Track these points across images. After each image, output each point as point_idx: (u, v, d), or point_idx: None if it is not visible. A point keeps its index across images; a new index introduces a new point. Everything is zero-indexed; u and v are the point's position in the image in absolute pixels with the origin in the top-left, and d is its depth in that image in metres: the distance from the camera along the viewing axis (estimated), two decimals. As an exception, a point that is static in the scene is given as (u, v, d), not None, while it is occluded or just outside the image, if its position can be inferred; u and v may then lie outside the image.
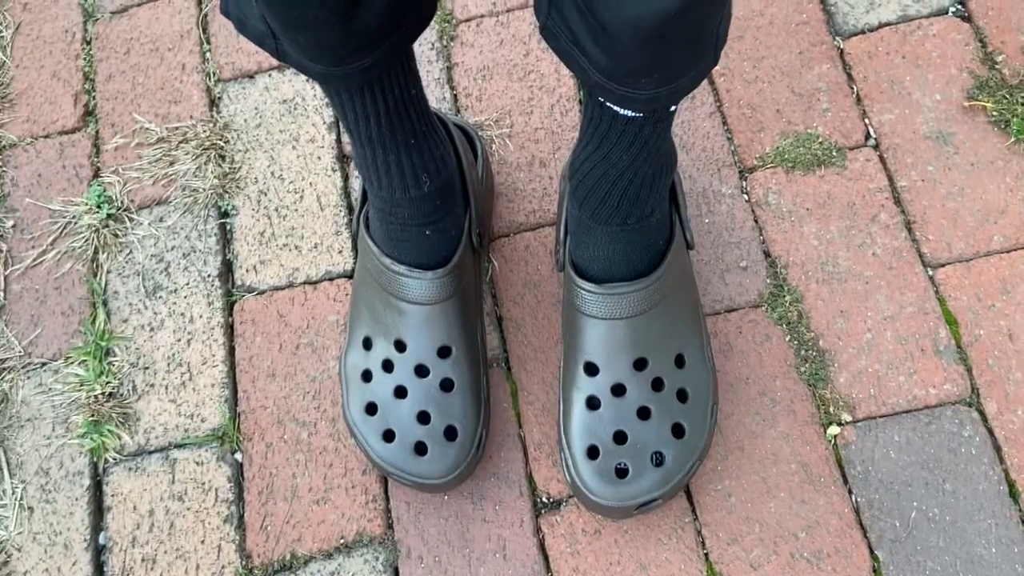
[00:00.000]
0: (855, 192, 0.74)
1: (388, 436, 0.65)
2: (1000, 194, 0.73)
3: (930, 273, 0.71)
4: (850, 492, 0.65)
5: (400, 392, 0.65)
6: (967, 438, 0.65)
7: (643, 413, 0.62)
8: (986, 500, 0.63)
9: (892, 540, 0.63)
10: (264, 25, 0.50)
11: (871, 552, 0.63)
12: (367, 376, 0.67)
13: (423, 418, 0.64)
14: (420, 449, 0.64)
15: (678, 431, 0.62)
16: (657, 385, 0.63)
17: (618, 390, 0.63)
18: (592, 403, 0.63)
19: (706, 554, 0.64)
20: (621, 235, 0.62)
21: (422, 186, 0.61)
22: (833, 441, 0.66)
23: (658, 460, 0.62)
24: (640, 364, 0.63)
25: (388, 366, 0.66)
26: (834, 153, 0.75)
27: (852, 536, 0.63)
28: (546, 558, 0.65)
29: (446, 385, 0.65)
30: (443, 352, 0.65)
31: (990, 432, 0.65)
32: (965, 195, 0.73)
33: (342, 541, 0.67)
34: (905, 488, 0.64)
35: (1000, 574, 0.61)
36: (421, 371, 0.65)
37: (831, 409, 0.67)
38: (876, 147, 0.76)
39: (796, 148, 0.76)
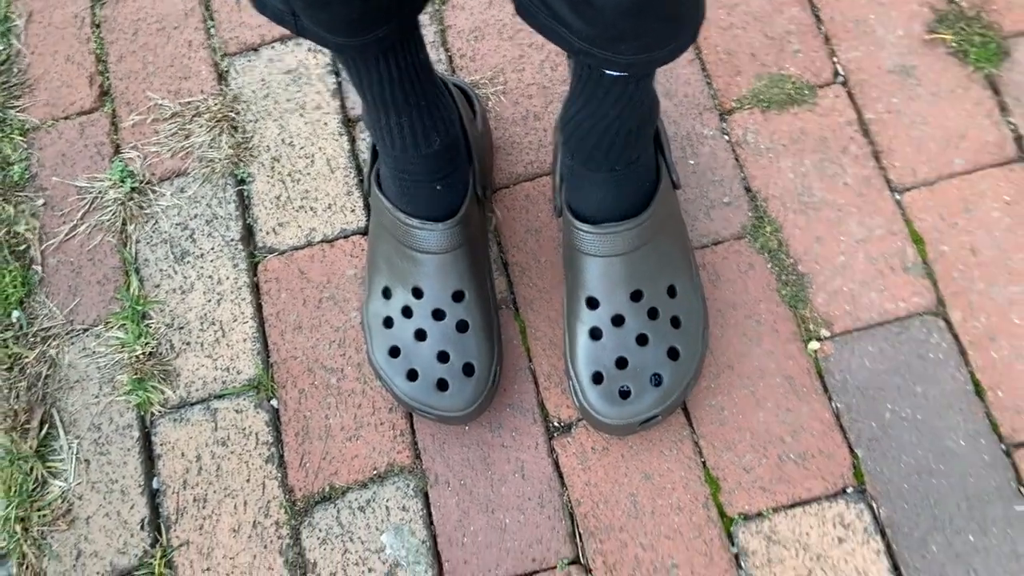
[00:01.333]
0: (826, 127, 0.80)
1: (412, 375, 0.71)
2: (960, 120, 0.78)
3: (897, 197, 0.77)
4: (830, 399, 0.71)
5: (420, 335, 0.71)
6: (935, 345, 0.72)
7: (641, 340, 0.69)
8: (954, 399, 0.70)
9: (869, 439, 0.70)
10: (284, 4, 0.55)
11: (851, 450, 0.70)
12: (388, 323, 0.73)
13: (443, 357, 0.71)
14: (442, 385, 0.71)
15: (673, 354, 0.69)
16: (652, 314, 0.69)
17: (618, 320, 0.69)
18: (595, 334, 0.69)
19: (703, 462, 0.71)
20: (611, 180, 0.67)
21: (432, 144, 0.66)
22: (814, 355, 0.73)
23: (656, 381, 0.68)
24: (636, 296, 0.69)
25: (407, 312, 0.72)
26: (806, 91, 0.81)
27: (833, 437, 0.70)
28: (560, 475, 0.72)
29: (461, 326, 0.71)
30: (457, 296, 0.71)
31: (956, 338, 0.72)
32: (928, 123, 0.79)
33: (375, 472, 0.74)
34: (880, 392, 0.71)
35: (968, 463, 0.69)
36: (438, 315, 0.71)
37: (811, 326, 0.74)
38: (844, 84, 0.81)
39: (771, 89, 0.82)
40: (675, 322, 0.70)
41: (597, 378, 0.69)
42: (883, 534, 0.67)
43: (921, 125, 0.79)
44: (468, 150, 0.73)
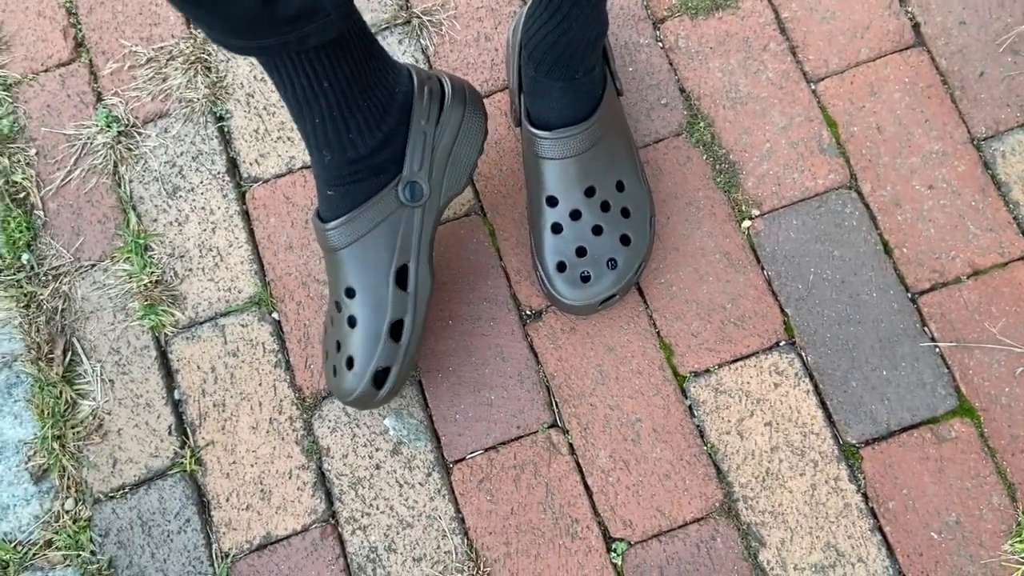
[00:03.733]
0: (748, 28, 0.88)
1: (334, 372, 0.76)
2: (864, 13, 0.88)
3: (812, 87, 0.86)
4: (762, 269, 0.82)
5: (351, 322, 0.75)
6: (849, 214, 0.83)
7: (596, 230, 0.78)
8: (866, 258, 0.81)
9: (797, 299, 0.81)
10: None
11: (782, 310, 0.81)
12: (332, 322, 0.77)
13: (337, 347, 0.76)
14: (334, 371, 0.76)
15: (625, 240, 0.79)
16: (605, 207, 0.79)
17: (575, 215, 0.78)
18: (556, 228, 0.79)
19: (657, 332, 0.82)
20: (570, 88, 0.76)
21: (324, 158, 0.70)
22: (747, 232, 0.83)
23: (612, 265, 0.78)
24: (590, 192, 0.78)
25: (338, 307, 0.76)
26: (731, 1, 0.90)
27: (766, 300, 0.81)
28: (535, 354, 0.82)
29: (351, 322, 0.74)
30: (349, 292, 0.74)
31: (867, 207, 0.83)
32: (836, 18, 0.88)
33: (372, 368, 0.83)
34: (804, 259, 0.82)
35: (880, 311, 0.80)
36: (337, 307, 0.76)
37: (743, 208, 0.84)
38: (763, -13, 0.90)
39: (697, -4, 0.90)
40: (625, 213, 0.79)
41: (561, 267, 0.78)
42: (811, 377, 0.79)
43: (831, 20, 0.88)
44: (401, 158, 0.74)
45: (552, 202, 0.79)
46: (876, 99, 0.85)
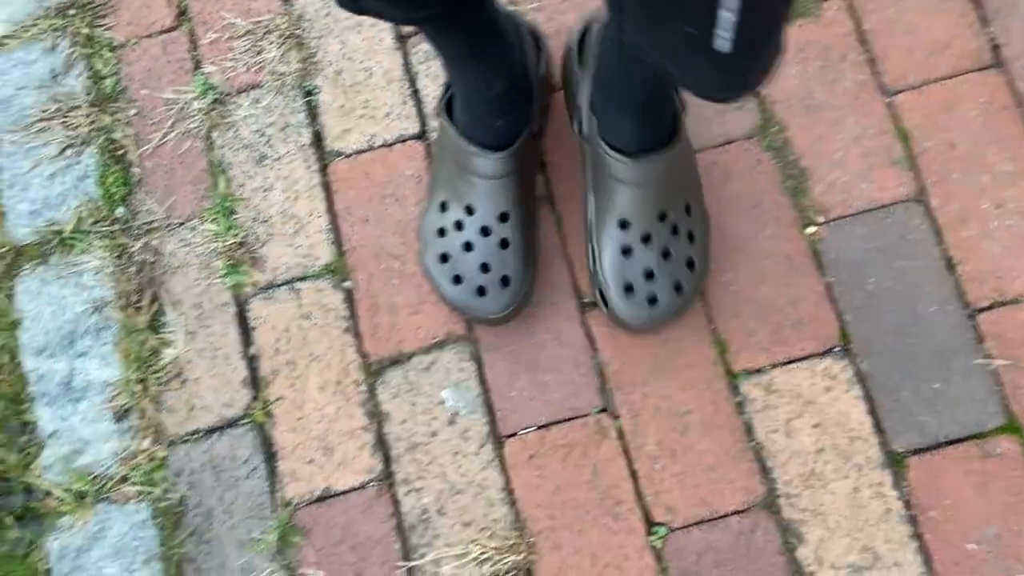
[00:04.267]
0: (828, 37, 0.90)
1: (457, 280, 0.83)
2: (946, 30, 0.88)
3: (888, 100, 0.88)
4: (823, 275, 0.84)
5: (468, 247, 0.83)
6: (915, 227, 0.84)
7: (665, 254, 0.79)
8: (928, 272, 0.83)
9: (855, 307, 0.83)
10: None
11: (839, 317, 0.83)
12: (442, 232, 0.84)
13: (484, 268, 0.82)
14: (481, 291, 0.82)
15: (691, 265, 0.80)
16: (675, 231, 0.80)
17: (646, 239, 0.79)
18: (626, 251, 0.79)
19: (713, 328, 0.84)
20: (650, 114, 0.76)
21: (493, 89, 0.77)
22: (811, 238, 0.85)
23: (678, 288, 0.80)
24: (662, 216, 0.79)
25: (459, 226, 0.83)
26: (811, 5, 0.91)
27: (825, 306, 0.83)
28: (591, 340, 0.85)
29: (503, 244, 0.82)
30: (503, 217, 0.82)
31: (933, 221, 0.84)
32: (917, 33, 0.89)
33: (435, 340, 0.87)
34: (865, 268, 0.83)
35: (937, 325, 0.81)
36: (485, 231, 0.82)
37: (809, 214, 0.86)
38: (846, -3, 0.91)
39: (779, 3, 0.91)
40: (691, 236, 0.81)
41: (628, 289, 0.79)
42: (863, 384, 0.81)
43: (912, 35, 0.89)
44: (530, 92, 0.83)
45: (624, 225, 0.79)
46: (951, 116, 0.86)
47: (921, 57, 0.88)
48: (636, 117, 0.76)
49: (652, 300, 0.79)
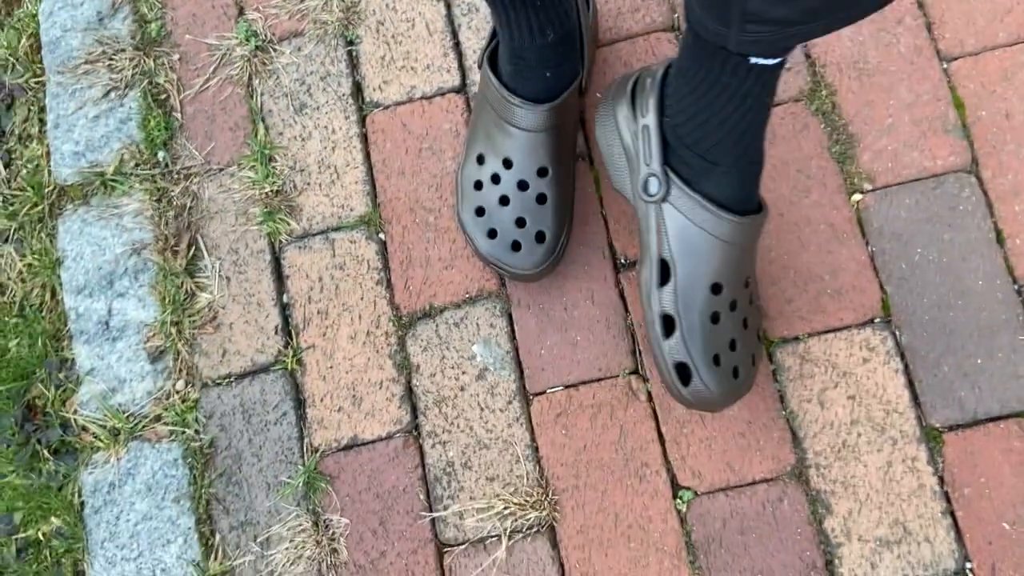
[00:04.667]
0: (885, -1, 0.86)
1: (491, 234, 0.81)
2: (1011, -5, 0.85)
3: (944, 66, 0.84)
4: (867, 244, 0.82)
5: (504, 200, 0.81)
6: (965, 198, 0.81)
7: (744, 323, 0.74)
8: (977, 245, 0.80)
9: (899, 278, 0.80)
10: None
11: (881, 287, 0.81)
12: (478, 185, 0.83)
13: (520, 223, 0.81)
14: (515, 247, 0.81)
15: (759, 334, 0.77)
16: (751, 299, 0.75)
17: (733, 305, 0.73)
18: (715, 318, 0.72)
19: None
20: (753, 170, 0.70)
21: (547, 36, 0.75)
22: (856, 206, 0.83)
23: (753, 361, 0.75)
24: (747, 283, 0.74)
25: (496, 179, 0.82)
26: (869, -35, 0.88)
27: (867, 276, 0.81)
28: (624, 302, 0.84)
29: (541, 199, 0.81)
30: (541, 172, 0.81)
31: (984, 193, 0.81)
32: (980, -3, 0.85)
33: (467, 295, 0.87)
34: (912, 238, 0.81)
35: (983, 300, 0.79)
36: (522, 185, 0.81)
37: (855, 181, 0.83)
38: (906, -42, 0.88)
39: (835, -38, 0.88)
40: (758, 305, 0.77)
41: (716, 360, 0.72)
42: (902, 356, 0.79)
43: (971, 0, 0.85)
44: (581, 45, 0.81)
45: (716, 289, 0.72)
46: (1008, 85, 0.83)
47: (981, 23, 0.85)
48: (745, 170, 0.70)
49: (735, 372, 0.73)
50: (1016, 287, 0.79)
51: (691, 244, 0.72)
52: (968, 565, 0.74)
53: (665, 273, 0.73)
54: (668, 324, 0.73)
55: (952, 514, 0.75)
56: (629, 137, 0.75)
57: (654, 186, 0.73)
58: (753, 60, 0.59)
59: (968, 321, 0.78)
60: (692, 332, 0.72)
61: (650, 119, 0.72)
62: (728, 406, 0.74)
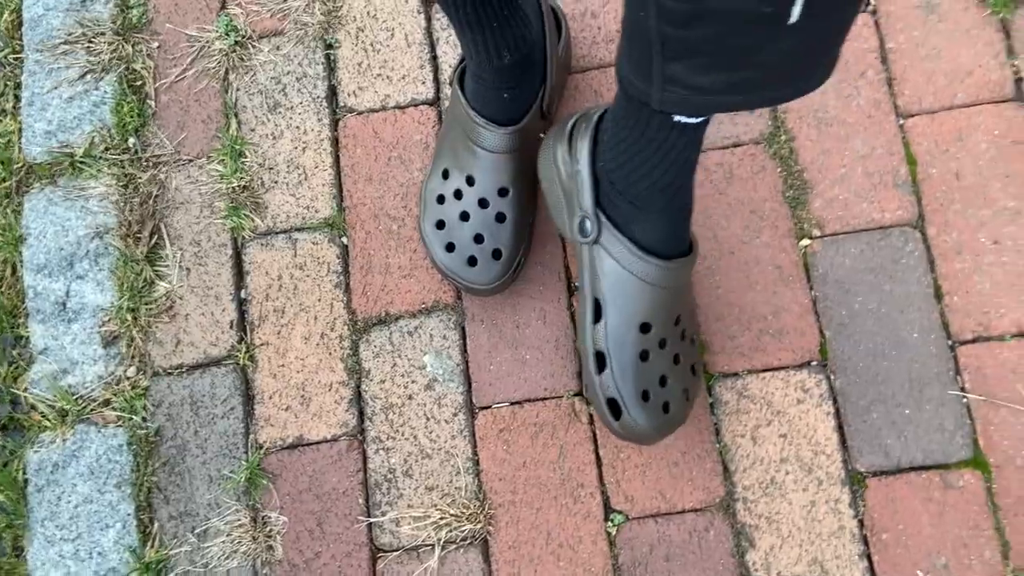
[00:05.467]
0: (849, 51, 0.89)
1: (450, 248, 0.84)
2: (969, 58, 0.87)
3: (901, 122, 0.87)
4: (811, 288, 0.84)
5: (464, 216, 0.83)
6: (909, 252, 0.84)
7: (676, 359, 0.76)
8: (916, 299, 0.83)
9: (839, 324, 0.83)
10: None
11: (821, 332, 0.83)
12: (441, 199, 0.85)
13: (478, 239, 0.83)
14: (472, 262, 0.83)
15: (694, 370, 0.78)
16: (683, 335, 0.77)
17: (663, 344, 0.75)
18: (643, 356, 0.74)
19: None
20: (681, 217, 0.73)
21: (503, 59, 0.77)
22: (804, 250, 0.85)
23: (687, 395, 0.77)
24: (677, 320, 0.76)
25: (458, 194, 0.84)
26: (838, 17, 0.90)
27: (808, 319, 0.84)
28: (575, 324, 0.86)
29: (500, 218, 0.83)
30: (502, 192, 0.83)
31: (928, 248, 0.84)
32: (940, 58, 0.88)
33: (423, 306, 0.89)
34: (854, 287, 0.84)
35: (917, 352, 0.82)
36: (483, 203, 0.83)
37: (805, 226, 0.86)
38: (873, 13, 0.90)
39: (806, 11, 0.90)
40: (692, 340, 0.79)
41: (645, 396, 0.74)
42: (835, 400, 0.82)
43: (934, 59, 0.88)
44: (544, 69, 0.83)
45: (645, 329, 0.74)
46: (961, 145, 0.85)
47: (941, 83, 0.87)
48: (672, 217, 0.73)
49: (666, 407, 0.75)
50: (949, 343, 0.82)
51: (621, 286, 0.74)
52: (880, 607, 0.77)
53: (598, 311, 0.75)
54: (600, 360, 0.75)
55: (869, 557, 0.78)
56: (566, 177, 0.77)
57: (587, 228, 0.75)
58: (676, 118, 0.61)
59: (901, 372, 0.81)
60: (622, 369, 0.74)
61: (583, 163, 0.74)
62: (660, 439, 0.76)
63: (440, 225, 0.85)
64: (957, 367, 0.81)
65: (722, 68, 0.53)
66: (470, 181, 0.84)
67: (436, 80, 0.94)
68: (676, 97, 0.56)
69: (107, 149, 0.96)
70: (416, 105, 0.94)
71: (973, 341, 0.81)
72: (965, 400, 0.80)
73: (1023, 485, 0.78)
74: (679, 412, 0.76)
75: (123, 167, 0.95)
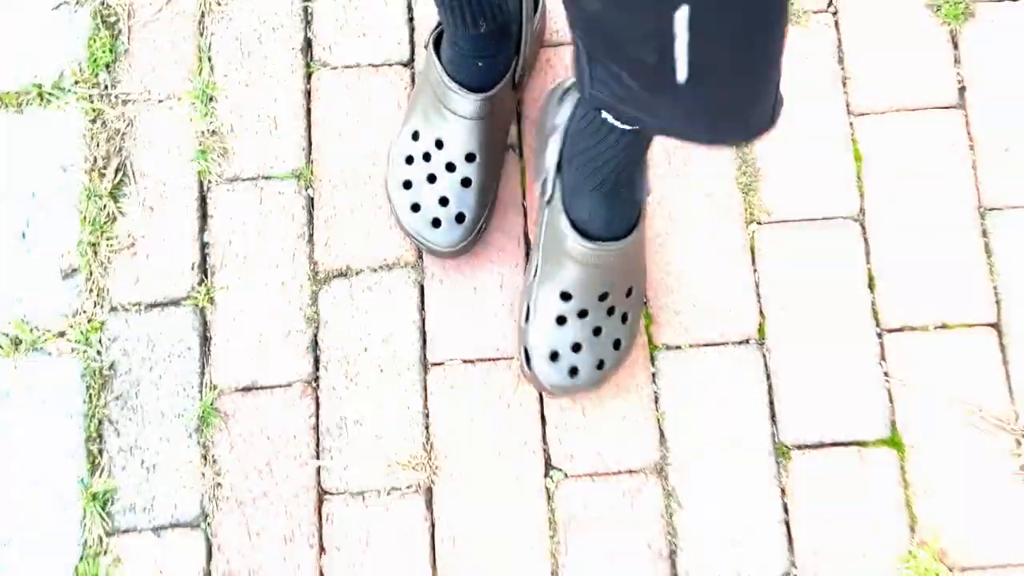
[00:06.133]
0: (809, 46, 0.93)
1: (415, 208, 0.86)
2: (919, 64, 0.93)
3: (851, 120, 0.92)
4: (755, 271, 0.89)
5: (431, 179, 0.86)
6: (847, 243, 0.89)
7: (596, 331, 0.81)
8: (851, 287, 0.88)
9: (777, 306, 0.88)
10: None
11: (761, 312, 0.88)
12: (409, 160, 0.87)
13: (443, 202, 0.86)
14: (436, 223, 0.86)
15: (617, 345, 0.82)
16: (610, 312, 0.81)
17: (583, 314, 0.81)
18: (560, 320, 0.81)
19: (645, 302, 0.89)
20: (619, 207, 0.78)
21: (479, 27, 0.78)
22: (751, 235, 0.90)
23: (600, 365, 0.82)
24: (603, 297, 0.81)
25: (427, 157, 0.86)
26: (800, 14, 0.94)
27: (749, 300, 0.88)
28: (531, 290, 0.90)
29: (466, 182, 0.85)
30: (469, 157, 0.85)
31: (866, 241, 0.89)
32: (893, 62, 0.93)
33: (384, 262, 0.91)
34: (794, 272, 0.88)
35: (848, 335, 0.87)
36: (450, 167, 0.85)
37: (754, 212, 0.90)
38: (835, 13, 0.94)
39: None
40: (624, 318, 0.82)
41: (553, 356, 0.81)
42: (768, 378, 0.86)
43: (887, 62, 0.93)
44: (518, 40, 0.85)
45: (565, 297, 0.80)
46: (906, 146, 0.91)
47: (891, 85, 0.92)
48: (606, 204, 0.77)
49: (573, 371, 0.81)
50: (877, 330, 0.87)
51: (552, 253, 0.80)
52: (794, 571, 0.82)
53: (537, 268, 0.80)
54: (528, 313, 0.82)
55: (787, 523, 0.83)
56: (547, 131, 0.81)
57: (546, 187, 0.80)
58: (605, 115, 0.64)
59: (831, 354, 0.87)
60: (539, 327, 0.81)
61: (560, 122, 0.78)
62: (564, 397, 0.84)
63: (407, 185, 0.87)
64: (883, 353, 0.87)
65: (635, 100, 0.56)
66: (439, 144, 0.86)
67: (412, 41, 0.96)
68: (602, 97, 0.59)
69: (77, 83, 0.96)
70: (390, 65, 0.96)
71: (899, 330, 0.87)
72: (887, 384, 0.86)
73: (932, 465, 0.84)
74: (588, 380, 0.81)
75: (92, 101, 0.95)
